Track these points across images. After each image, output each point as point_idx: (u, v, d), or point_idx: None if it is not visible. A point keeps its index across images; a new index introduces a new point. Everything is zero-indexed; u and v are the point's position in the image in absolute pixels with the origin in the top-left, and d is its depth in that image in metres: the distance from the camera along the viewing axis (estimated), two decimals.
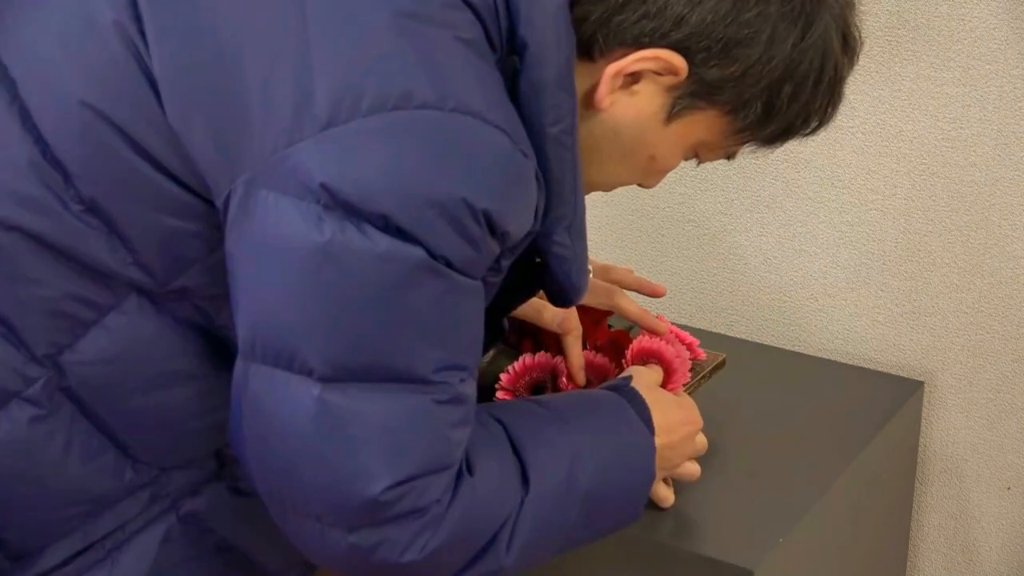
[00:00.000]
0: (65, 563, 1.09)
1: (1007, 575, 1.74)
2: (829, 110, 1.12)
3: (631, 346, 1.39)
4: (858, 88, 1.62)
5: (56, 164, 0.99)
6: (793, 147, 1.69)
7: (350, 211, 0.92)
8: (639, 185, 1.20)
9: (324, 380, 0.95)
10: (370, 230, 0.92)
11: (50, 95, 0.99)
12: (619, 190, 1.21)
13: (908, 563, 1.74)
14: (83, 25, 0.99)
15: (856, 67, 1.12)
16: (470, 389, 1.01)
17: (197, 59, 0.96)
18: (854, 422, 1.55)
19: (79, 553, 1.09)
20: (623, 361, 1.38)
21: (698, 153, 1.15)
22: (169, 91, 0.96)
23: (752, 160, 1.73)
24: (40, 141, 0.99)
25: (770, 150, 1.16)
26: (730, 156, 1.17)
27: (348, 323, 0.94)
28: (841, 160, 1.68)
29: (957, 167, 1.62)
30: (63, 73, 0.99)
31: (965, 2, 1.55)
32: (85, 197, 0.99)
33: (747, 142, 1.14)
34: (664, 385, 1.36)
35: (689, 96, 1.07)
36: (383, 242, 0.92)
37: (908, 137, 1.63)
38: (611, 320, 1.46)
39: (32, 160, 0.99)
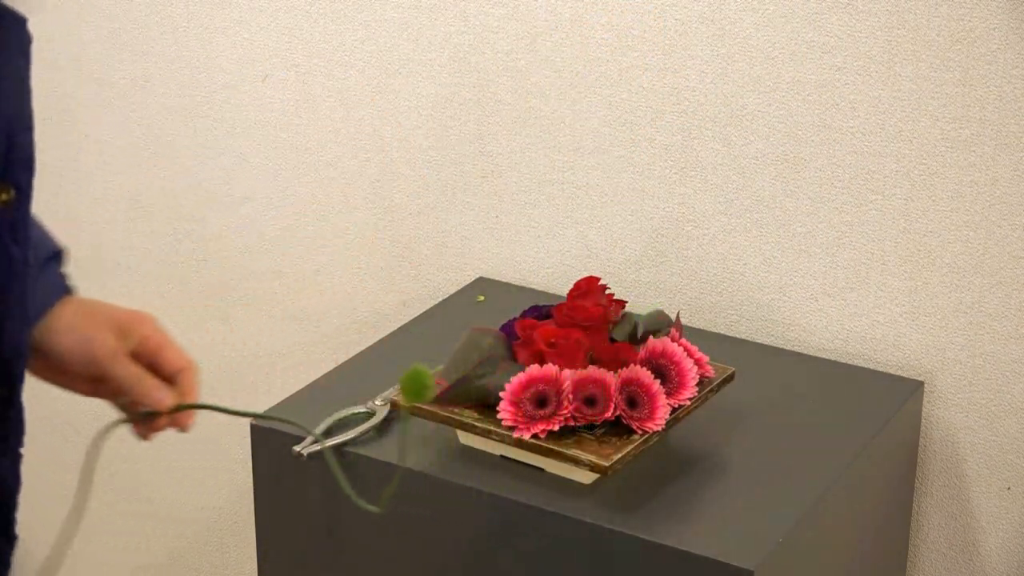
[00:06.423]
0: None
1: (1007, 575, 1.73)
2: None
3: (647, 347, 1.40)
4: (858, 88, 1.62)
5: None
6: (793, 147, 1.69)
7: None
8: None
9: None
10: None
11: None
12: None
13: (908, 563, 1.74)
14: None
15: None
16: None
17: None
18: (854, 422, 1.55)
19: None
20: (635, 360, 1.39)
21: None
22: None
23: (752, 160, 1.73)
24: None
25: None
26: None
27: None
28: (841, 160, 1.67)
29: (957, 167, 1.61)
30: None
31: (965, 2, 1.55)
32: None
33: None
34: (672, 393, 1.38)
35: None
36: None
37: (908, 137, 1.63)
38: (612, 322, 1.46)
39: None
